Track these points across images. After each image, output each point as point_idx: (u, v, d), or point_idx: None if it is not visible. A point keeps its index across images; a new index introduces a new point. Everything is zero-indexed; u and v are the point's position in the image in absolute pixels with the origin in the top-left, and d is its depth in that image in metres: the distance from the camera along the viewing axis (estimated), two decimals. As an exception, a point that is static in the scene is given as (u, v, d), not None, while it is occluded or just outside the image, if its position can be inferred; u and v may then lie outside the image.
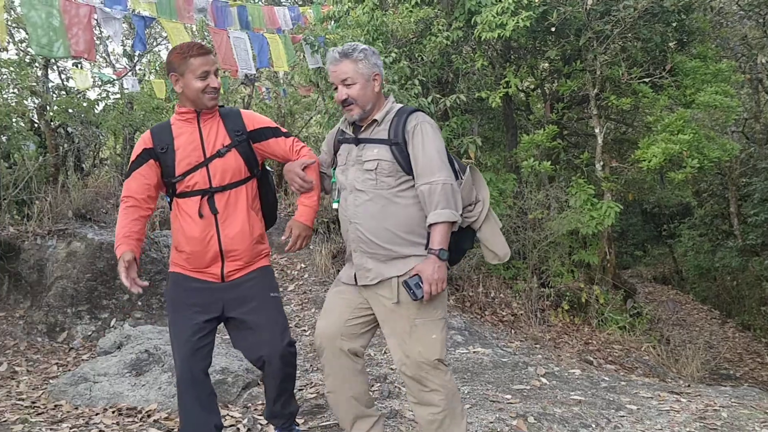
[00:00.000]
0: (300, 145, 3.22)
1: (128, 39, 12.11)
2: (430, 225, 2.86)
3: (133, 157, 3.09)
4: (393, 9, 8.60)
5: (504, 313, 7.77)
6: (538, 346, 6.72)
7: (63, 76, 11.43)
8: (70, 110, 9.92)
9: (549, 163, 8.72)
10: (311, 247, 9.15)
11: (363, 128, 3.04)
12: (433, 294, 2.82)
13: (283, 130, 3.26)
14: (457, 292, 7.90)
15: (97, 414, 4.11)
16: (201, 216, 3.02)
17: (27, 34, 7.21)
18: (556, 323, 8.10)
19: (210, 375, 3.15)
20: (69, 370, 5.21)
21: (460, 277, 8.11)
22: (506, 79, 8.73)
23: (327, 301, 3.16)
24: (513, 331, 7.19)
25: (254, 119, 3.20)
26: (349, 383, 3.04)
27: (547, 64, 10.59)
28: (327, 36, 8.07)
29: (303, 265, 8.53)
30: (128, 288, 2.88)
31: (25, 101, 10.19)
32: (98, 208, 7.87)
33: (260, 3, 11.69)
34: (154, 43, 13.36)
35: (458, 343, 5.94)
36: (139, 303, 6.44)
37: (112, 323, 6.15)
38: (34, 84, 10.23)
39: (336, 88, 3.01)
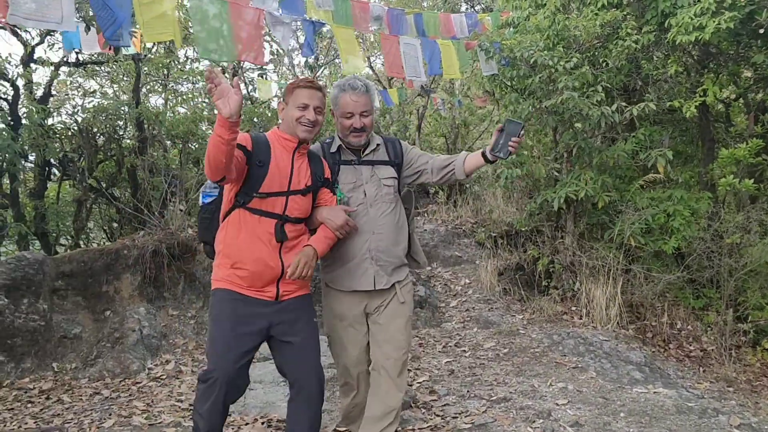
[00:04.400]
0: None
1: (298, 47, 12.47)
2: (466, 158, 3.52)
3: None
4: (576, 12, 8.06)
5: (691, 348, 6.92)
6: (731, 389, 5.87)
7: (249, 87, 11.98)
8: (255, 119, 10.36)
9: (752, 181, 7.70)
10: (476, 262, 8.80)
11: (364, 152, 3.46)
12: None
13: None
14: (637, 320, 7.17)
15: (247, 424, 4.06)
16: (277, 240, 3.12)
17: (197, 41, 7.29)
18: (754, 363, 7.08)
19: None
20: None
21: (641, 305, 7.35)
22: (703, 87, 7.85)
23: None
24: (701, 369, 6.36)
25: (328, 169, 3.38)
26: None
27: (751, 72, 9.44)
28: (503, 42, 7.70)
29: (467, 281, 8.20)
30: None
31: (215, 110, 10.80)
32: (271, 213, 8.04)
33: (437, 11, 11.56)
34: (334, 55, 13.67)
35: (636, 381, 5.28)
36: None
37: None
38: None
39: (349, 116, 3.33)
